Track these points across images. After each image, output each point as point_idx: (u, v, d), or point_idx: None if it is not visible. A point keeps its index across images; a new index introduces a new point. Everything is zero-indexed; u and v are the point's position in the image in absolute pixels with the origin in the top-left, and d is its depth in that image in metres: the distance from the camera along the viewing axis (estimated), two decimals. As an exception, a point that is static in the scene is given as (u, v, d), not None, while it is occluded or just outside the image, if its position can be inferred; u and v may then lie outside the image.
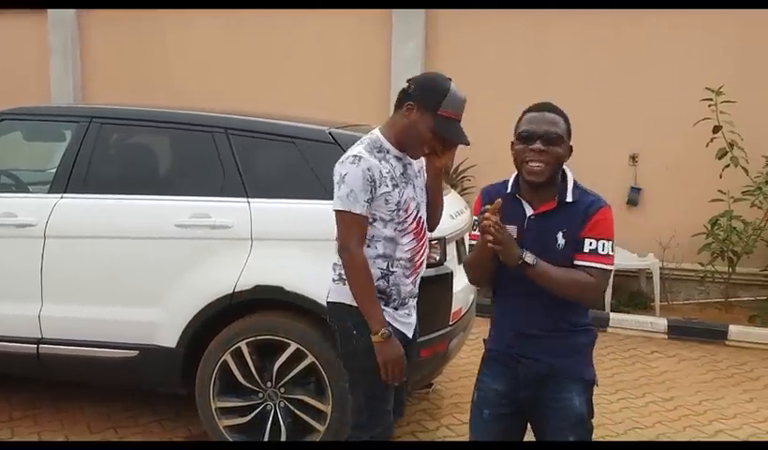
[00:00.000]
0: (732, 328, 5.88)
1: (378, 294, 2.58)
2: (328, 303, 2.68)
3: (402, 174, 2.60)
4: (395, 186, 2.56)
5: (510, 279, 2.35)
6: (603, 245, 2.26)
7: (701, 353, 5.60)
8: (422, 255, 2.71)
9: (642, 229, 6.57)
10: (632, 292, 6.55)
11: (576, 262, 2.27)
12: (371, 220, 2.56)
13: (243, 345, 3.41)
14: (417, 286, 2.73)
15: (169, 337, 3.49)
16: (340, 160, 2.54)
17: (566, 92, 6.73)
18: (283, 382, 3.41)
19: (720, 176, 6.02)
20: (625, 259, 6.42)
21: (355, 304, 2.56)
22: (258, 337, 3.40)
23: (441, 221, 2.89)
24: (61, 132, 4.12)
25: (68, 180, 3.67)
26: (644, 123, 6.61)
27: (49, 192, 3.70)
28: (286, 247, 3.41)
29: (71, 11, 8.28)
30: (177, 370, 3.51)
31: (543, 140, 2.26)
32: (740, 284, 6.46)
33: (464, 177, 6.71)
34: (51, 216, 3.60)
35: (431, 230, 2.78)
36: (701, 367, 5.29)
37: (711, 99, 5.92)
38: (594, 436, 3.85)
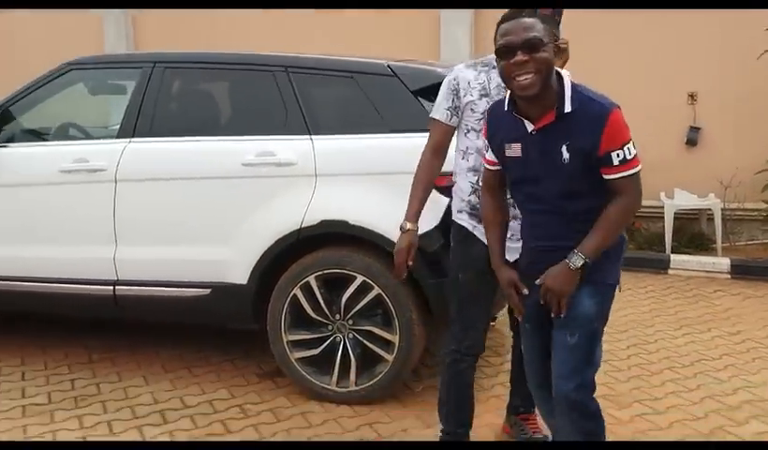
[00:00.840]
0: (798, 265, 5.75)
1: (471, 211, 2.68)
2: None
3: (499, 86, 2.59)
4: (484, 95, 2.62)
5: (527, 198, 2.36)
6: (629, 150, 2.20)
7: (767, 291, 5.49)
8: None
9: (702, 169, 6.43)
10: (693, 234, 6.44)
11: (606, 177, 2.21)
12: (465, 131, 2.67)
13: (311, 279, 3.48)
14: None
15: (239, 275, 3.58)
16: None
17: (621, 33, 6.62)
18: (351, 314, 3.48)
19: (785, 110, 5.84)
20: (684, 199, 6.31)
21: (458, 220, 2.72)
22: (326, 271, 3.46)
23: None
24: (123, 85, 4.24)
25: (135, 125, 3.76)
26: (703, 59, 6.42)
27: (117, 137, 3.80)
28: (349, 182, 3.45)
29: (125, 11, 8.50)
30: (248, 306, 3.61)
31: (524, 49, 2.15)
32: (806, 223, 6.29)
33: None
34: (121, 160, 3.70)
35: None
36: (766, 305, 5.20)
37: (775, 28, 5.73)
38: (659, 369, 3.86)
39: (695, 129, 6.55)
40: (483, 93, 2.62)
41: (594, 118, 2.19)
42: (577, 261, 2.24)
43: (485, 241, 2.60)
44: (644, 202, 6.72)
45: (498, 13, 2.32)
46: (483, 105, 2.60)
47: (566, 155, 2.22)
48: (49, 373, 3.98)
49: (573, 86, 2.25)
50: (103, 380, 3.90)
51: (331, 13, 7.56)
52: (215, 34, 8.00)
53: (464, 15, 7.24)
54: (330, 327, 3.52)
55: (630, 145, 2.22)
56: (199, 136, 3.70)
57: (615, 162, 2.20)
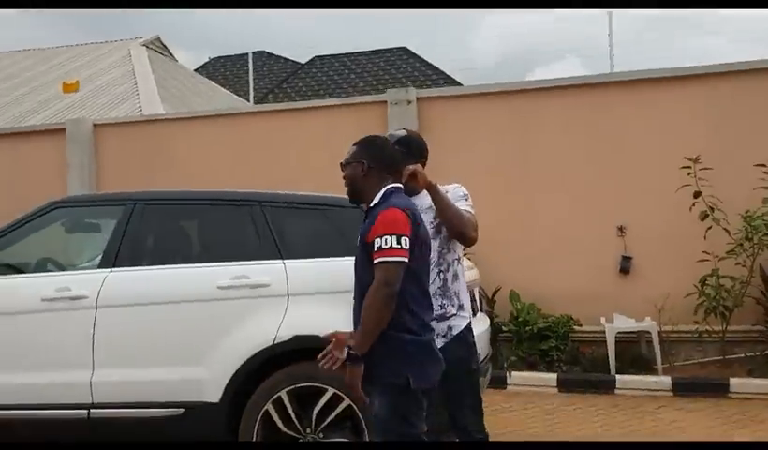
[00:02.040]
0: (734, 381, 6.15)
1: None
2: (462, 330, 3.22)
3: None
4: None
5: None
6: (385, 240, 2.57)
7: (707, 405, 5.84)
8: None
9: (636, 295, 6.93)
10: (634, 356, 6.83)
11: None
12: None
13: (283, 394, 3.69)
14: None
15: (212, 393, 3.77)
16: (457, 186, 3.40)
17: (551, 174, 7.34)
18: (321, 426, 3.67)
19: (705, 238, 6.46)
20: (623, 323, 6.75)
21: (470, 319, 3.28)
22: (298, 385, 3.68)
23: None
24: (99, 224, 4.56)
25: (117, 255, 4.04)
26: (628, 195, 7.12)
27: (99, 267, 4.06)
28: (319, 300, 3.76)
29: (88, 129, 8.90)
30: (221, 424, 3.76)
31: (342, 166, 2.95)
32: (735, 342, 6.76)
33: (464, 255, 7.12)
34: (103, 287, 3.94)
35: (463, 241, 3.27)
36: (708, 416, 5.53)
37: (689, 167, 6.46)
38: None
39: (627, 258, 7.13)
40: None
41: (374, 215, 2.68)
42: (348, 351, 2.57)
43: None
44: (587, 327, 7.23)
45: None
46: None
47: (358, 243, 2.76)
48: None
49: (383, 194, 2.78)
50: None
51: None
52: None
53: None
54: (299, 440, 3.69)
55: (389, 237, 2.56)
56: (178, 264, 3.99)
57: (375, 247, 2.59)
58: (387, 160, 2.90)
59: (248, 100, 18.29)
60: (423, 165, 3.35)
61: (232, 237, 4.06)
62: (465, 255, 6.99)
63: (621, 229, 7.17)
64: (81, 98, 13.58)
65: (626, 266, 7.11)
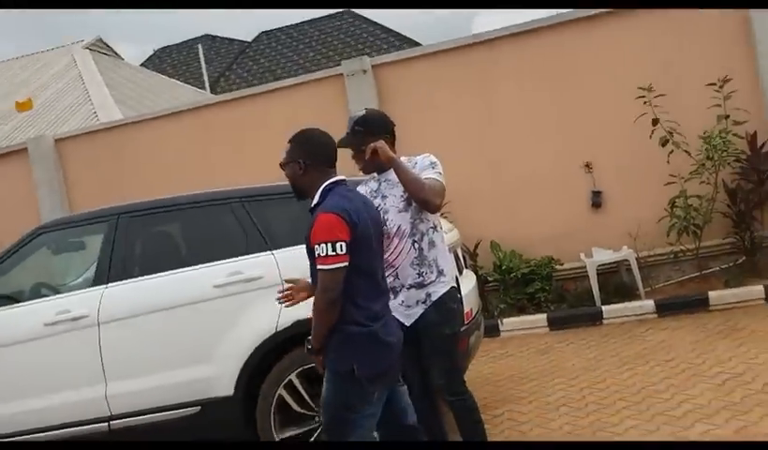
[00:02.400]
0: (712, 294, 6.45)
1: None
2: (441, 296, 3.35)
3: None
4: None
5: None
6: (323, 248, 2.66)
7: (690, 321, 6.13)
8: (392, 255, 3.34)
9: (611, 226, 7.18)
10: (616, 285, 7.10)
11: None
12: None
13: (293, 377, 3.84)
14: (398, 278, 3.34)
15: (225, 387, 3.90)
16: (426, 155, 3.47)
17: (514, 121, 7.49)
18: (335, 401, 3.83)
19: (668, 162, 6.69)
20: (602, 255, 7.00)
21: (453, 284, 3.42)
22: (306, 367, 3.83)
23: None
24: (83, 242, 4.62)
25: (109, 271, 4.12)
26: (591, 131, 7.31)
27: (93, 285, 4.14)
28: (313, 283, 3.89)
29: (50, 145, 8.84)
30: (239, 415, 3.91)
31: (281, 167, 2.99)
32: (710, 256, 7.05)
33: (442, 214, 7.29)
34: (101, 305, 4.03)
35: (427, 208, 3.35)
36: (693, 332, 5.81)
37: (644, 97, 6.65)
38: (612, 401, 4.40)
39: (597, 193, 7.35)
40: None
41: (314, 218, 2.77)
42: (307, 344, 2.82)
43: None
44: (568, 265, 7.48)
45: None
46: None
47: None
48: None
49: (324, 192, 2.83)
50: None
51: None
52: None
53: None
54: (316, 418, 3.86)
55: (325, 245, 2.65)
56: (170, 270, 4.09)
57: (315, 255, 2.70)
58: (323, 154, 2.91)
59: (202, 88, 18.11)
60: (390, 140, 3.45)
61: (218, 236, 4.16)
62: (442, 216, 7.17)
63: (588, 165, 7.37)
64: (36, 113, 13.38)
65: (597, 201, 7.33)
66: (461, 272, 4.52)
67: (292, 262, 3.92)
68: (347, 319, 2.75)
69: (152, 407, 3.96)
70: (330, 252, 2.65)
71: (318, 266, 2.67)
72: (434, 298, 3.36)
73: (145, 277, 4.10)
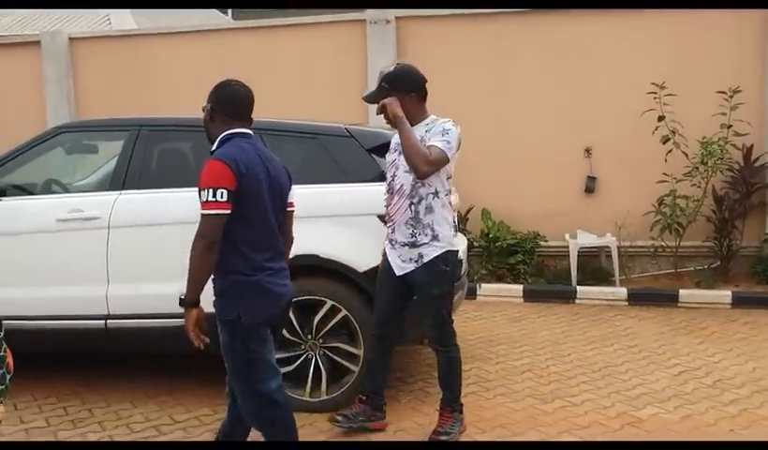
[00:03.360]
0: (683, 292, 6.77)
1: None
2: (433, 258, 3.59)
3: None
4: None
5: None
6: (203, 193, 2.71)
7: (658, 314, 6.45)
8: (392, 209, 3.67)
9: (599, 212, 7.46)
10: (594, 269, 7.40)
11: None
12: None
13: (286, 305, 4.08)
14: (395, 232, 3.64)
15: (221, 304, 4.14)
16: (444, 121, 3.58)
17: (524, 96, 7.67)
18: (321, 334, 4.11)
19: (665, 160, 6.94)
20: (586, 239, 7.28)
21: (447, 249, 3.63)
22: (300, 299, 4.08)
23: None
24: (96, 145, 4.80)
25: (125, 179, 4.32)
26: (596, 118, 7.51)
27: (108, 190, 4.34)
28: (317, 222, 4.11)
29: (64, 42, 8.87)
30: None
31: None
32: (687, 256, 7.37)
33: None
34: (114, 209, 4.24)
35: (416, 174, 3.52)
36: (659, 323, 6.14)
37: (656, 93, 6.86)
38: (573, 374, 4.76)
39: (592, 179, 7.59)
40: None
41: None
42: (180, 296, 2.79)
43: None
44: (552, 243, 7.77)
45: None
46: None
47: None
48: (40, 403, 4.38)
49: (222, 141, 2.89)
50: (93, 405, 4.33)
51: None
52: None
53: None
54: (302, 346, 4.13)
55: (207, 190, 2.69)
56: (182, 187, 4.28)
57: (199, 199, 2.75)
58: (230, 105, 2.95)
59: (226, 14, 17.94)
60: (416, 97, 3.58)
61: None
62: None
63: (588, 150, 7.59)
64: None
65: (590, 186, 7.58)
66: (455, 234, 4.75)
67: (302, 199, 4.12)
68: (232, 268, 2.80)
69: (147, 313, 4.20)
70: (210, 198, 2.69)
71: (200, 212, 2.72)
72: (425, 259, 3.59)
73: (159, 190, 4.30)
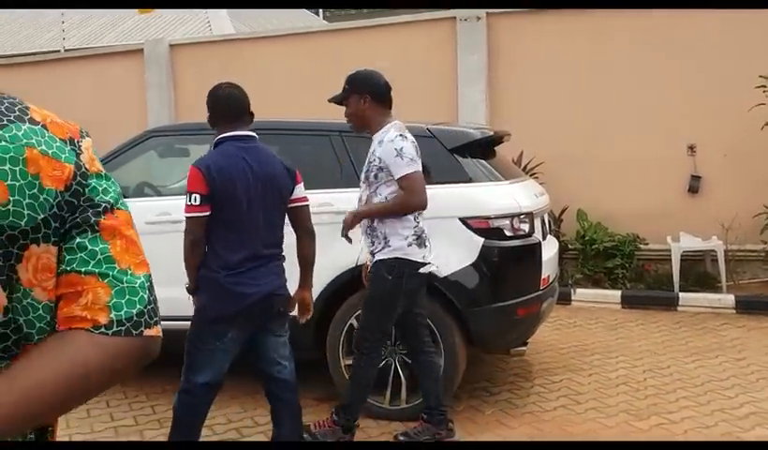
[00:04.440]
0: (798, 300, 6.25)
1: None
2: (376, 262, 3.54)
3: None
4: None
5: None
6: (187, 197, 3.02)
7: (770, 323, 5.98)
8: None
9: (704, 214, 6.99)
10: (699, 274, 6.95)
11: None
12: None
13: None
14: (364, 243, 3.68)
15: (303, 309, 4.12)
16: (390, 139, 3.45)
17: (623, 92, 7.29)
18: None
19: (776, 158, 6.43)
20: (689, 242, 6.85)
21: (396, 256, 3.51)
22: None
23: (528, 199, 4.05)
24: (187, 150, 4.88)
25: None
26: (700, 114, 7.05)
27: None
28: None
29: (165, 49, 9.20)
30: (310, 336, 4.14)
31: None
32: (803, 261, 6.80)
33: (533, 174, 7.25)
34: (200, 213, 4.29)
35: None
36: (769, 335, 5.69)
37: (765, 87, 6.35)
38: (672, 388, 4.45)
39: (696, 178, 7.14)
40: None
41: None
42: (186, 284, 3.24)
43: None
44: (652, 245, 7.37)
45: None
46: None
47: None
48: (130, 401, 4.50)
49: (215, 144, 3.18)
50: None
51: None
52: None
53: (478, 77, 7.89)
54: (382, 352, 4.04)
55: (187, 195, 3.01)
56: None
57: None
58: (220, 110, 3.21)
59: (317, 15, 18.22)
60: (372, 99, 3.59)
61: (315, 166, 4.30)
62: (533, 176, 7.14)
63: (692, 148, 7.15)
64: (153, 15, 13.87)
65: (695, 186, 7.13)
66: (545, 237, 4.54)
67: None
68: (206, 264, 3.10)
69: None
70: (188, 202, 3.00)
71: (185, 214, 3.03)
72: (374, 261, 3.60)
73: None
